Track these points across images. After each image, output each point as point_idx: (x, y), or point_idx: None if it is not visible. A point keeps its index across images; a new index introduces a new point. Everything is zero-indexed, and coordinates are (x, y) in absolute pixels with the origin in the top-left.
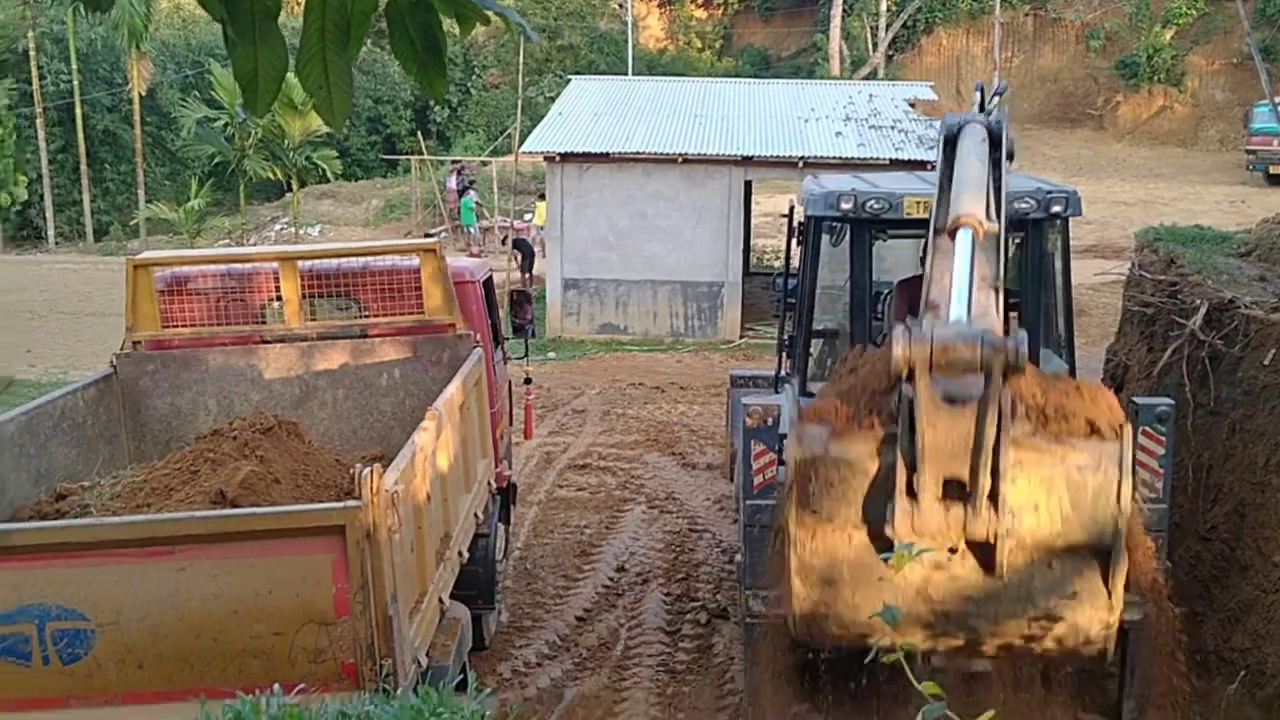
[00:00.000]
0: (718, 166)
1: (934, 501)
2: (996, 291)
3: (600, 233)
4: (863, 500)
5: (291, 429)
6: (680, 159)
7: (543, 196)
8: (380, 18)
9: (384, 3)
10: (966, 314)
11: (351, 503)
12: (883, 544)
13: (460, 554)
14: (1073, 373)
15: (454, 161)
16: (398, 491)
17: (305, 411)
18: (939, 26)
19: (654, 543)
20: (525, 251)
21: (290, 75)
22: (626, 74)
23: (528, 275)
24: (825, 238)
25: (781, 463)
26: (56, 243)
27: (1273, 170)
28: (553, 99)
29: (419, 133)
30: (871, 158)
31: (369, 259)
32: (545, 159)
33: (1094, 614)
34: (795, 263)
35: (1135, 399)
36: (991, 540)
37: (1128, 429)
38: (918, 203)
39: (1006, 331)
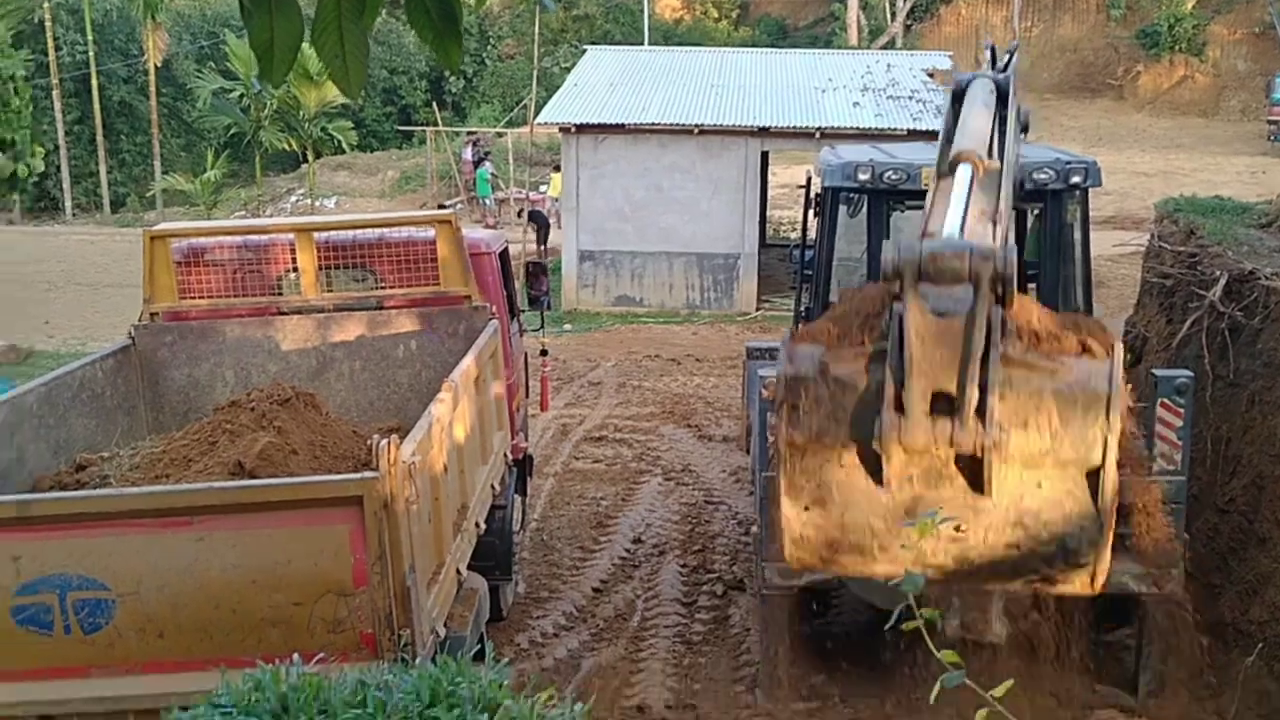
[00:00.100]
0: (734, 137)
1: (921, 415)
2: (995, 224)
3: (616, 204)
4: (852, 418)
5: (309, 400)
6: (696, 130)
7: (558, 168)
8: None
9: None
10: (959, 234)
11: (369, 474)
12: (872, 463)
13: (477, 525)
14: None
15: (469, 133)
16: (415, 463)
17: (322, 383)
18: None
19: (670, 514)
20: (541, 223)
21: (306, 46)
22: (642, 44)
23: (543, 247)
24: (842, 209)
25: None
26: (73, 214)
27: None
28: (568, 69)
29: (434, 104)
30: (889, 128)
31: (385, 230)
32: (561, 130)
33: (1082, 534)
34: (812, 234)
35: (1154, 371)
36: (979, 454)
37: (1118, 348)
38: None
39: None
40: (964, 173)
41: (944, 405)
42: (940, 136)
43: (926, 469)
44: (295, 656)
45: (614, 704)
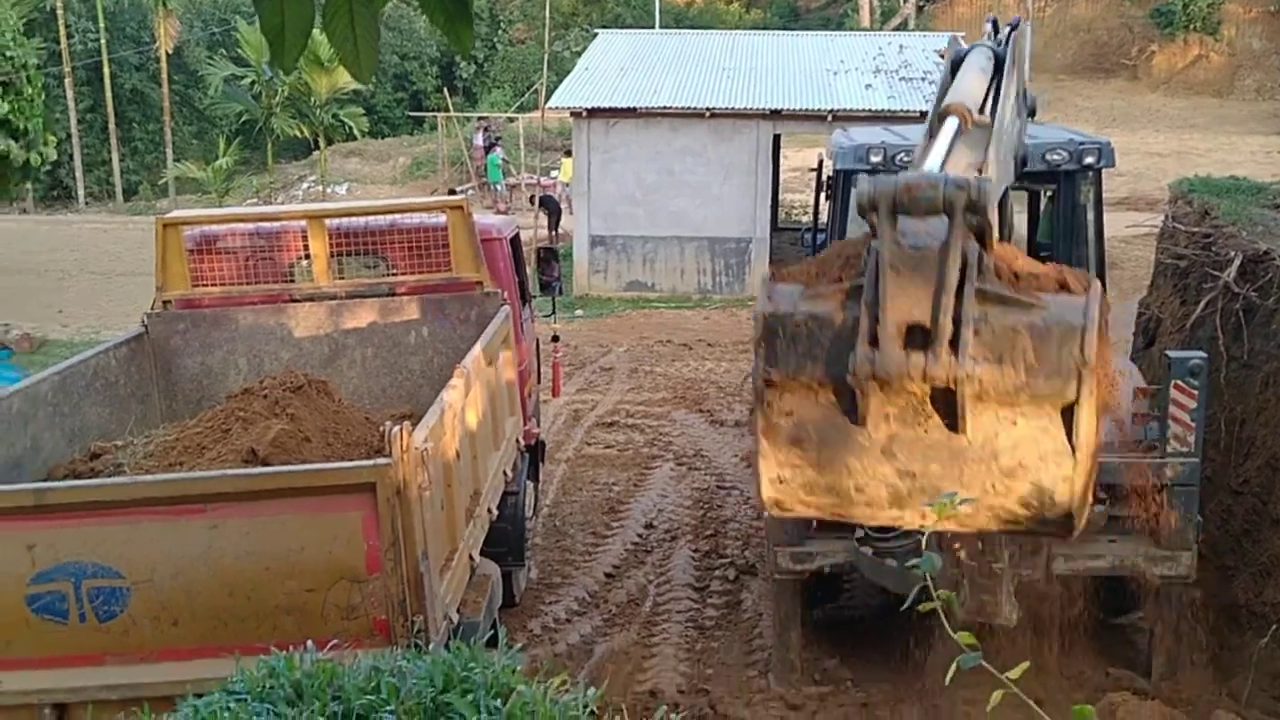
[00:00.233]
0: (746, 120)
1: (895, 348)
2: (979, 174)
3: (627, 189)
4: (829, 355)
5: (321, 387)
6: (708, 113)
7: (569, 153)
8: None
9: None
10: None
11: (382, 460)
12: (849, 401)
13: (490, 511)
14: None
15: (480, 118)
16: (427, 449)
17: (335, 370)
18: None
19: (682, 500)
20: (552, 208)
21: (317, 32)
22: (653, 27)
23: (555, 232)
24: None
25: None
26: (86, 202)
27: None
28: (579, 54)
29: (445, 89)
30: (902, 110)
31: (396, 217)
32: (572, 114)
33: (1058, 471)
34: (824, 217)
35: (1168, 352)
36: (952, 386)
37: (1097, 285)
38: None
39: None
40: (949, 124)
41: (919, 339)
42: (935, 100)
43: (903, 407)
44: (309, 643)
45: (627, 689)
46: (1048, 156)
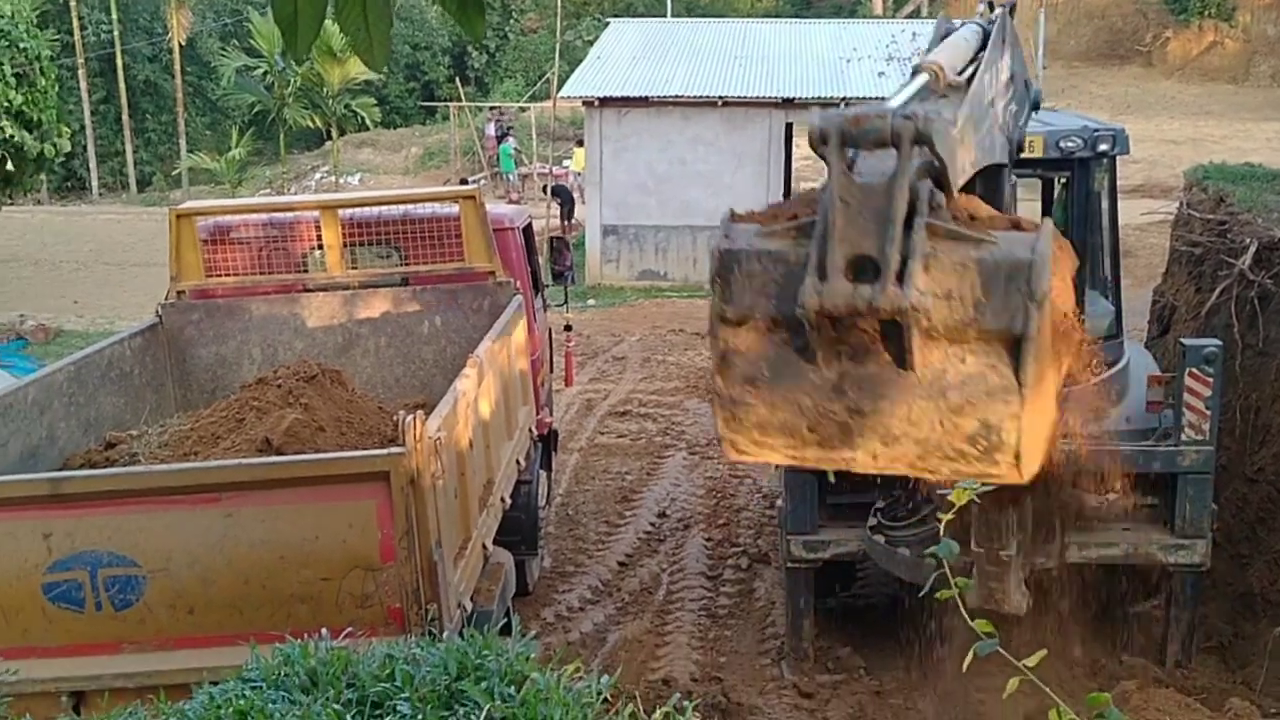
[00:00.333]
0: (758, 109)
1: (841, 279)
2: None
3: (639, 178)
4: (782, 291)
5: (335, 377)
6: (720, 102)
7: (581, 142)
8: None
9: None
10: None
11: (395, 449)
12: (801, 338)
13: (503, 500)
14: (1119, 315)
15: (492, 108)
16: (440, 438)
17: (348, 359)
18: None
19: (695, 489)
20: (564, 198)
21: (329, 23)
22: (665, 16)
23: (568, 222)
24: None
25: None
26: (100, 194)
27: None
28: (591, 43)
29: (457, 79)
30: None
31: (409, 207)
32: (584, 104)
33: (1005, 409)
34: None
35: (1183, 340)
36: (898, 318)
37: (1048, 222)
38: None
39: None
40: (918, 79)
41: (869, 273)
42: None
43: (855, 344)
44: (324, 631)
45: (640, 677)
46: (1061, 144)
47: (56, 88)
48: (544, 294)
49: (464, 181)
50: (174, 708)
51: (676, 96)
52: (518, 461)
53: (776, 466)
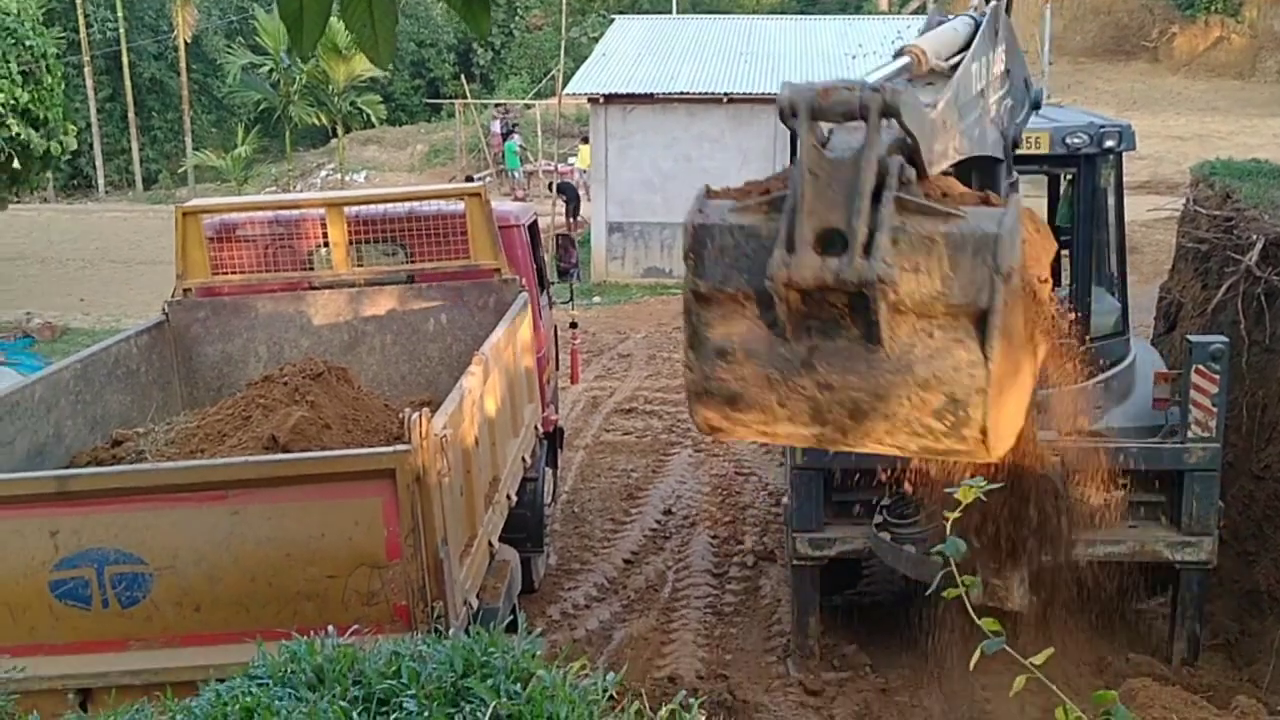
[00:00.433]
0: (764, 106)
1: (809, 251)
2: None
3: (644, 175)
4: (753, 265)
5: (341, 374)
6: (725, 99)
7: (586, 139)
8: None
9: None
10: None
11: (401, 447)
12: (772, 313)
13: (509, 498)
14: (1125, 311)
15: (497, 105)
16: (446, 435)
17: (354, 357)
18: None
19: (701, 486)
20: (570, 195)
21: (334, 20)
22: (670, 12)
23: (573, 219)
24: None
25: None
26: (106, 191)
27: None
28: (596, 39)
29: (462, 76)
30: None
31: (415, 204)
32: (589, 101)
33: (971, 383)
34: None
35: (1189, 337)
36: (865, 290)
37: (1016, 197)
38: None
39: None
40: (899, 61)
41: (838, 246)
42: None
43: (824, 319)
44: (330, 628)
45: (646, 674)
46: (1068, 140)
47: (62, 85)
48: (549, 291)
49: (469, 179)
50: (180, 705)
51: (682, 93)
52: (523, 459)
53: (782, 463)
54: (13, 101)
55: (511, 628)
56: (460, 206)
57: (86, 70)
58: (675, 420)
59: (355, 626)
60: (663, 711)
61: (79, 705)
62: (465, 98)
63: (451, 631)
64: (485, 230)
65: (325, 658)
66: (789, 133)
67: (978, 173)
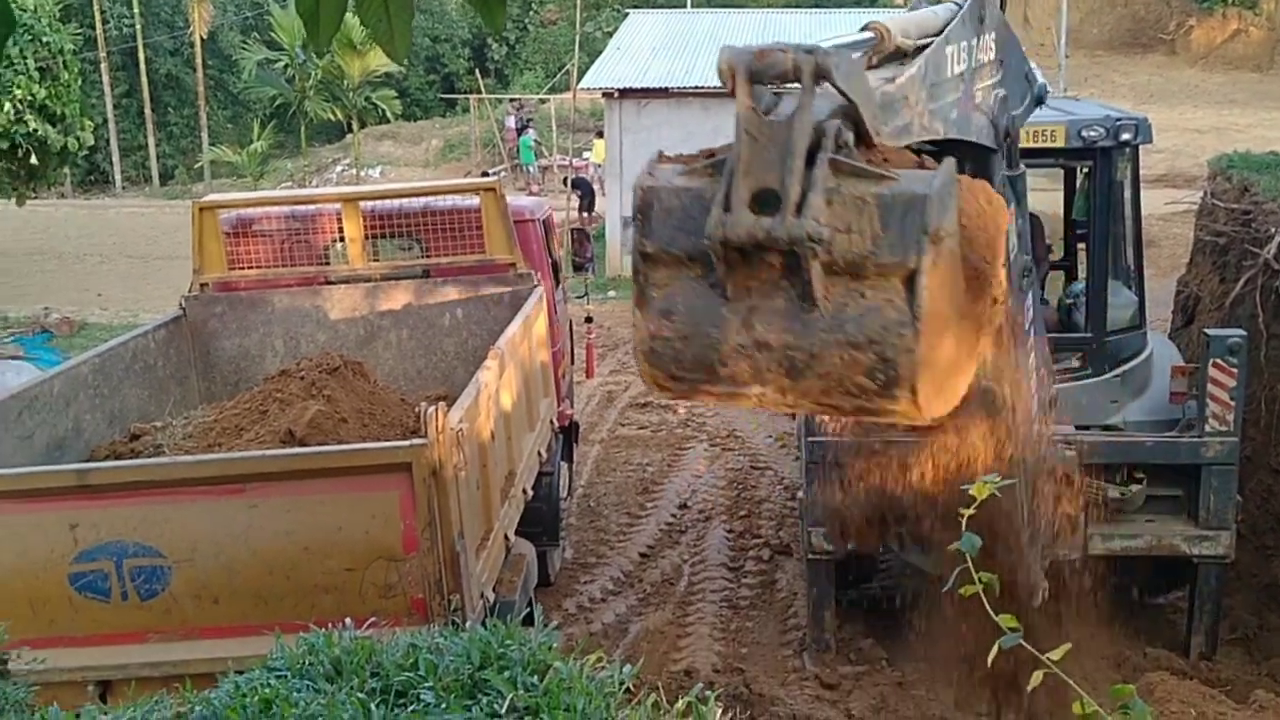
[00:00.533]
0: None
1: (745, 211)
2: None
3: None
4: (698, 228)
5: (357, 369)
6: None
7: (601, 134)
8: None
9: None
10: None
11: (417, 441)
12: (714, 273)
13: (525, 491)
14: (1142, 305)
15: (512, 100)
16: (462, 429)
17: (370, 351)
18: None
19: (716, 480)
20: (584, 190)
21: (349, 16)
22: (685, 7)
23: (588, 214)
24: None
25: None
26: (123, 187)
27: None
28: (611, 34)
29: (477, 71)
30: None
31: (430, 199)
32: (604, 95)
33: (899, 343)
34: None
35: (1207, 330)
36: (796, 249)
37: (950, 161)
38: None
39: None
40: (861, 35)
41: (772, 206)
42: None
43: (763, 279)
44: (348, 621)
45: (662, 668)
46: (1084, 133)
47: (79, 82)
48: (565, 286)
49: (484, 174)
50: (200, 696)
51: (697, 87)
52: (539, 453)
53: (797, 457)
54: (30, 97)
55: (528, 621)
56: (475, 201)
57: (103, 66)
58: (690, 414)
59: (373, 619)
60: (679, 704)
61: (99, 697)
62: (480, 93)
63: (468, 624)
64: (500, 225)
65: (343, 650)
66: None
67: (970, 161)
